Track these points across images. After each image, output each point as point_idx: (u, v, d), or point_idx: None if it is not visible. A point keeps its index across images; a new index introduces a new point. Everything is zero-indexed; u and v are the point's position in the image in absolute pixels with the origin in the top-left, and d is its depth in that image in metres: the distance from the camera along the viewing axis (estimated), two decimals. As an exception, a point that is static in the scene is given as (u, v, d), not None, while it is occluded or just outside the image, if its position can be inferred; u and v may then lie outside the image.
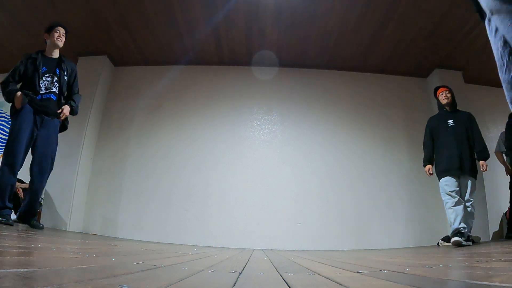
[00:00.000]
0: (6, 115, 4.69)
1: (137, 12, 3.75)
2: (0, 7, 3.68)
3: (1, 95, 2.77)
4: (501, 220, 4.13)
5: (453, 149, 3.13)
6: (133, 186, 4.24)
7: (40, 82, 2.80)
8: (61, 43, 2.93)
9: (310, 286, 0.59)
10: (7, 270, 0.47)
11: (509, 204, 3.77)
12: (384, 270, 0.86)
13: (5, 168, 2.56)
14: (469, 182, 3.06)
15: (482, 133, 3.20)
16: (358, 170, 4.28)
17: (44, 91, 2.82)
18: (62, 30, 2.93)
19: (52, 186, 3.98)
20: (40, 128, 2.76)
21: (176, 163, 4.30)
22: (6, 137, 4.57)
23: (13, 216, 3.59)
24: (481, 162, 3.11)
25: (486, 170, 3.11)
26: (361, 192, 4.17)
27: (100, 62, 4.46)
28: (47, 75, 2.85)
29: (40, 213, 3.94)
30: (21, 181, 3.94)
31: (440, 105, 3.39)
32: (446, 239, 3.49)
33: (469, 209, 3.02)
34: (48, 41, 2.92)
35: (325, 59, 4.54)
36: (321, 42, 4.18)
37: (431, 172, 3.27)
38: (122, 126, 4.50)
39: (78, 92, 3.10)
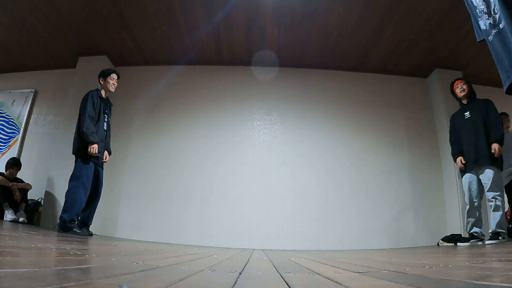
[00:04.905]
0: (6, 115, 4.70)
1: (137, 12, 3.75)
2: (0, 7, 3.68)
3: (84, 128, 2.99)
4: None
5: (469, 143, 3.01)
6: (133, 186, 4.24)
7: (104, 124, 3.18)
8: (114, 89, 3.32)
9: (310, 286, 0.59)
10: (7, 270, 0.47)
11: (509, 205, 3.76)
12: (384, 270, 0.86)
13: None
14: (487, 172, 2.86)
15: None
16: (358, 169, 4.28)
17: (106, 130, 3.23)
18: (115, 77, 3.31)
19: (52, 186, 3.98)
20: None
21: (176, 163, 4.30)
22: (6, 137, 4.61)
23: (11, 217, 3.59)
24: (492, 145, 2.84)
25: (498, 153, 2.82)
26: (361, 192, 4.17)
27: (100, 62, 4.46)
28: (105, 116, 3.21)
29: (40, 213, 3.94)
30: (21, 180, 3.94)
31: (458, 99, 3.25)
32: (446, 239, 3.49)
33: (491, 203, 2.81)
34: (102, 84, 3.26)
35: (325, 59, 4.54)
36: (321, 42, 4.18)
37: (464, 162, 3.06)
38: (122, 126, 4.50)
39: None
